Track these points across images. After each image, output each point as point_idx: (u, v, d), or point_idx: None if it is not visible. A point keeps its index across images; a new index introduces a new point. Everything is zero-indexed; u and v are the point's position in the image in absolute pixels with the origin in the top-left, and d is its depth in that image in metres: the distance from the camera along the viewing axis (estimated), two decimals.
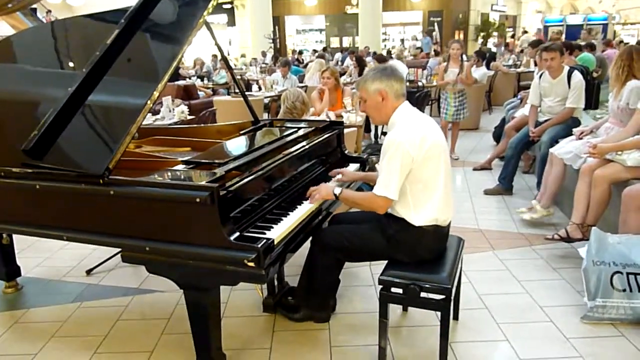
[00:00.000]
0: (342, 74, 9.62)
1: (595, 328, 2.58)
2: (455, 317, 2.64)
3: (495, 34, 22.58)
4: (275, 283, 2.83)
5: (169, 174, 2.10)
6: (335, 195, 2.35)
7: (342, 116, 4.88)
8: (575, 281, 2.98)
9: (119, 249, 2.07)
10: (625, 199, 2.85)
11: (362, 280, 3.14)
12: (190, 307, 2.05)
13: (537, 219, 3.89)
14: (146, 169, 2.16)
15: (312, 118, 4.46)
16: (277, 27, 20.43)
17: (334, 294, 2.72)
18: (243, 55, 18.35)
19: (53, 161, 2.12)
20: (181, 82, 8.76)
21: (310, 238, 2.44)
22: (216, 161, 2.16)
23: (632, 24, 27.45)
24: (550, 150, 3.92)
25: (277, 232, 2.02)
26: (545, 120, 4.58)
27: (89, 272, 3.36)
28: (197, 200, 1.80)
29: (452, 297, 2.22)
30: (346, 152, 3.21)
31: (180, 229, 1.89)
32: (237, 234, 1.87)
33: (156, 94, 2.10)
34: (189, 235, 1.88)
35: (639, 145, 3.07)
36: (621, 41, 15.12)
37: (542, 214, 3.85)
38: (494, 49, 14.58)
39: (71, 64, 2.60)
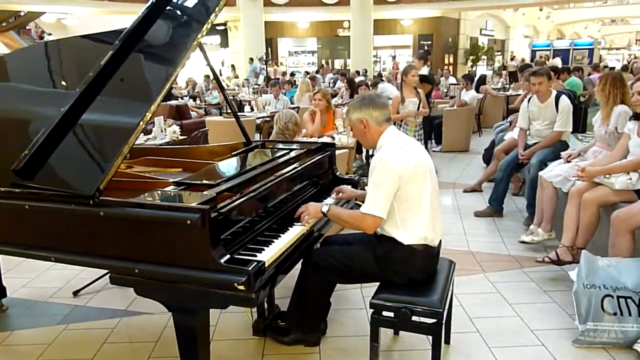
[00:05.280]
0: (333, 96, 9.72)
1: (587, 352, 2.57)
2: (447, 341, 2.62)
3: (484, 57, 23.03)
4: (265, 306, 2.80)
5: (160, 195, 2.09)
6: (323, 212, 2.36)
7: (333, 138, 4.90)
8: (567, 304, 2.98)
9: (107, 271, 2.04)
10: (614, 222, 2.88)
11: (353, 303, 3.11)
12: (178, 330, 2.02)
13: (538, 242, 3.85)
14: (137, 189, 2.15)
15: (304, 139, 4.48)
16: (269, 49, 20.64)
17: (324, 317, 2.69)
18: (236, 77, 18.46)
19: (43, 181, 2.10)
20: (173, 102, 8.78)
21: (302, 260, 2.43)
22: (208, 182, 2.16)
23: (617, 49, 28.18)
24: (540, 173, 3.96)
25: (268, 254, 2.01)
26: (535, 143, 4.64)
27: (76, 293, 3.31)
28: (188, 222, 1.78)
29: (444, 321, 2.21)
30: (338, 173, 3.22)
31: (170, 251, 1.87)
32: (228, 256, 1.86)
33: (149, 115, 2.10)
34: (179, 258, 1.85)
35: (626, 169, 3.12)
36: (606, 66, 15.46)
37: (544, 237, 3.84)
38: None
39: (64, 84, 2.60)
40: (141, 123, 2.06)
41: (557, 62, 18.14)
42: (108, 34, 2.50)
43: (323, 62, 20.69)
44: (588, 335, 2.59)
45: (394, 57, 19.11)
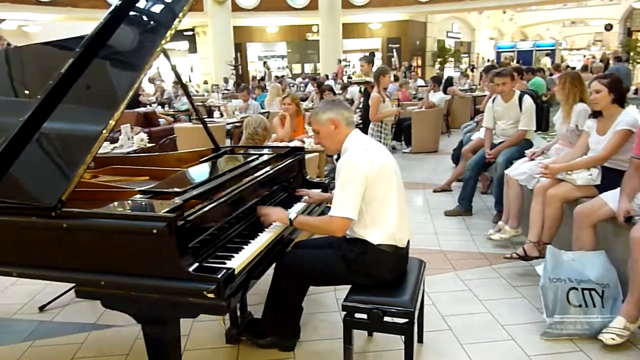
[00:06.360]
0: (303, 100, 9.74)
1: (555, 344, 2.64)
2: (420, 340, 2.66)
3: (451, 59, 23.44)
4: (238, 313, 2.77)
5: (125, 204, 2.04)
6: (290, 220, 2.34)
7: (304, 142, 4.91)
8: (535, 298, 3.05)
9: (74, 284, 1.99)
10: (576, 217, 2.97)
11: (326, 306, 3.11)
12: (148, 341, 1.98)
13: (507, 239, 3.96)
14: (102, 199, 2.10)
15: (274, 144, 4.47)
16: (239, 54, 20.53)
17: (297, 321, 2.69)
18: (205, 82, 18.30)
19: (2, 194, 2.03)
20: (141, 110, 8.63)
21: (274, 264, 2.42)
22: (174, 190, 2.12)
23: (577, 49, 29.13)
24: (505, 171, 4.05)
25: (238, 261, 1.99)
26: (500, 142, 4.74)
27: (42, 308, 3.21)
28: (154, 231, 1.75)
29: (416, 320, 2.24)
30: (308, 177, 3.23)
31: (136, 261, 1.83)
32: (197, 264, 1.83)
33: (112, 122, 2.05)
34: (146, 267, 1.82)
35: (587, 165, 3.22)
36: (567, 66, 15.95)
37: (511, 234, 3.94)
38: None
39: (26, 92, 2.52)
40: (104, 131, 2.01)
41: (547, 61, 18.65)
42: (71, 40, 2.43)
43: (267, 68, 20.42)
44: (555, 328, 2.66)
45: (339, 61, 19.17)
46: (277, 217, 2.37)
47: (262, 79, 16.89)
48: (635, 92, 10.91)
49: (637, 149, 2.80)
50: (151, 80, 13.60)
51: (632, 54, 17.87)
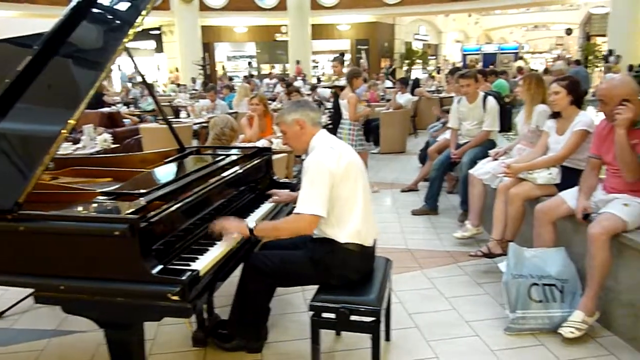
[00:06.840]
0: (272, 100, 9.71)
1: (517, 339, 2.71)
2: (387, 338, 2.68)
3: (419, 61, 23.80)
4: (205, 315, 2.74)
5: (86, 206, 1.99)
6: (250, 229, 2.25)
7: (272, 142, 4.89)
8: (498, 294, 3.12)
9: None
10: (537, 215, 3.05)
11: (295, 307, 3.11)
12: (112, 347, 1.93)
13: (468, 237, 4.04)
14: (62, 201, 2.04)
15: (242, 145, 4.44)
16: (207, 54, 20.28)
17: (265, 322, 2.67)
18: (172, 82, 18.01)
19: None
20: (105, 110, 8.42)
21: (242, 265, 2.40)
22: (137, 191, 2.08)
23: (540, 52, 30.07)
24: (470, 171, 4.14)
25: (203, 263, 1.96)
26: (465, 143, 4.84)
27: (0, 315, 3.09)
28: (116, 233, 1.72)
29: (383, 319, 2.26)
30: (275, 177, 3.22)
31: (98, 264, 1.79)
32: (161, 267, 1.80)
33: (72, 122, 2.00)
34: (108, 271, 1.78)
35: (547, 165, 3.32)
36: (531, 69, 16.43)
37: (473, 232, 4.03)
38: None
39: None
40: (63, 131, 1.95)
41: (520, 63, 19.16)
42: (30, 37, 2.36)
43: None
44: (517, 323, 2.73)
45: (298, 62, 19.19)
46: (235, 228, 2.25)
47: (231, 79, 16.69)
48: (593, 95, 11.32)
49: (593, 149, 2.91)
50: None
51: (590, 57, 18.52)
